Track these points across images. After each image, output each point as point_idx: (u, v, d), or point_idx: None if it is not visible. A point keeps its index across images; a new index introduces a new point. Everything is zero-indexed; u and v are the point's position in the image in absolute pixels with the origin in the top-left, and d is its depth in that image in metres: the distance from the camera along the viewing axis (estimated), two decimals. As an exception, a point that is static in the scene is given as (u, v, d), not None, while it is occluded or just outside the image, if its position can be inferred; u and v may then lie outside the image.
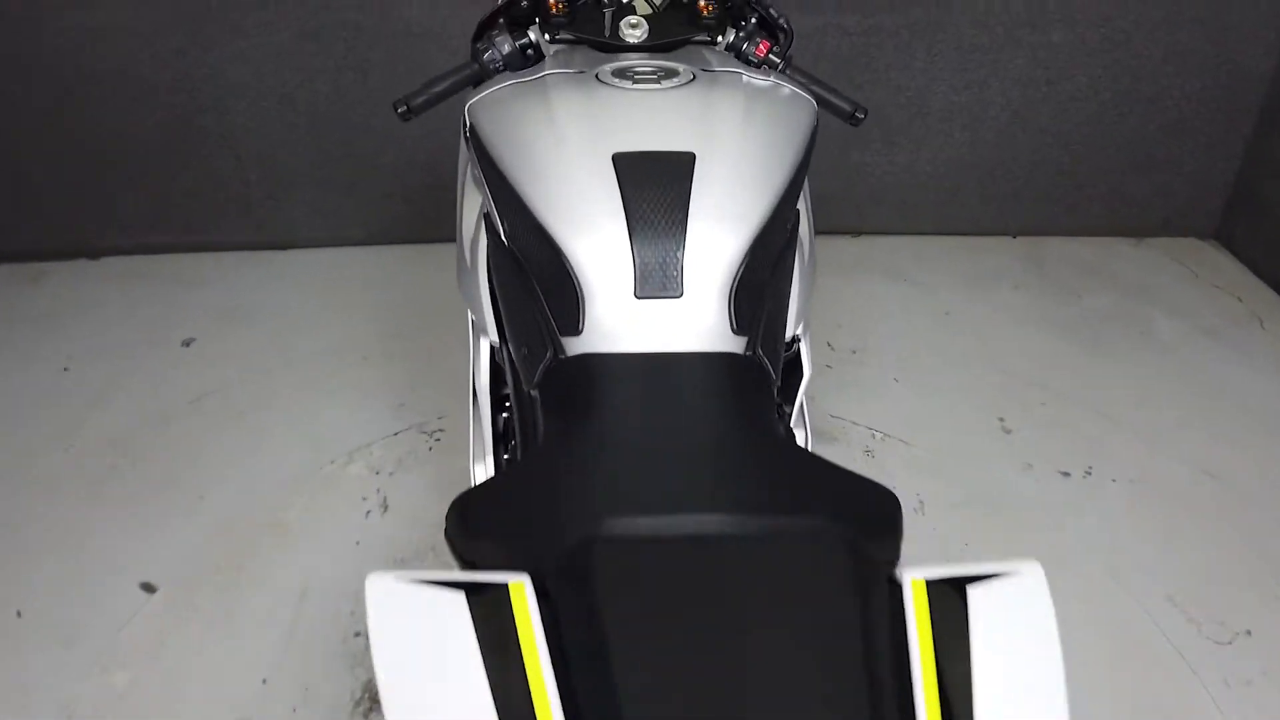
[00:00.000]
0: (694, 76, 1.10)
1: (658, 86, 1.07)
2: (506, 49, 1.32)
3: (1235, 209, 2.98)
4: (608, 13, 1.32)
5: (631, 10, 1.33)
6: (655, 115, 1.03)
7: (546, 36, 1.32)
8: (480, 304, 1.26)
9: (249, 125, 2.72)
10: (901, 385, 2.40)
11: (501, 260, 1.11)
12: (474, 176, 1.45)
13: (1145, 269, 2.94)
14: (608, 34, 1.31)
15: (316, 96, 2.68)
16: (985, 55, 2.70)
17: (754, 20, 1.39)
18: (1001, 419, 2.30)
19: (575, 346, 0.96)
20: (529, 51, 1.34)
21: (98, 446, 2.13)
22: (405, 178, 2.84)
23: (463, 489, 1.88)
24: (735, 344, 0.97)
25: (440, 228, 2.87)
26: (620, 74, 1.11)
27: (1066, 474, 2.14)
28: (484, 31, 1.44)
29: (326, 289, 2.75)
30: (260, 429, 2.18)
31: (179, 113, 2.67)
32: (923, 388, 2.39)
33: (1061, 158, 2.90)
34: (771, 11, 1.42)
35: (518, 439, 1.22)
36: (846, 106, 1.37)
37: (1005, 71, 2.73)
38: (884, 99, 2.78)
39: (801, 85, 1.34)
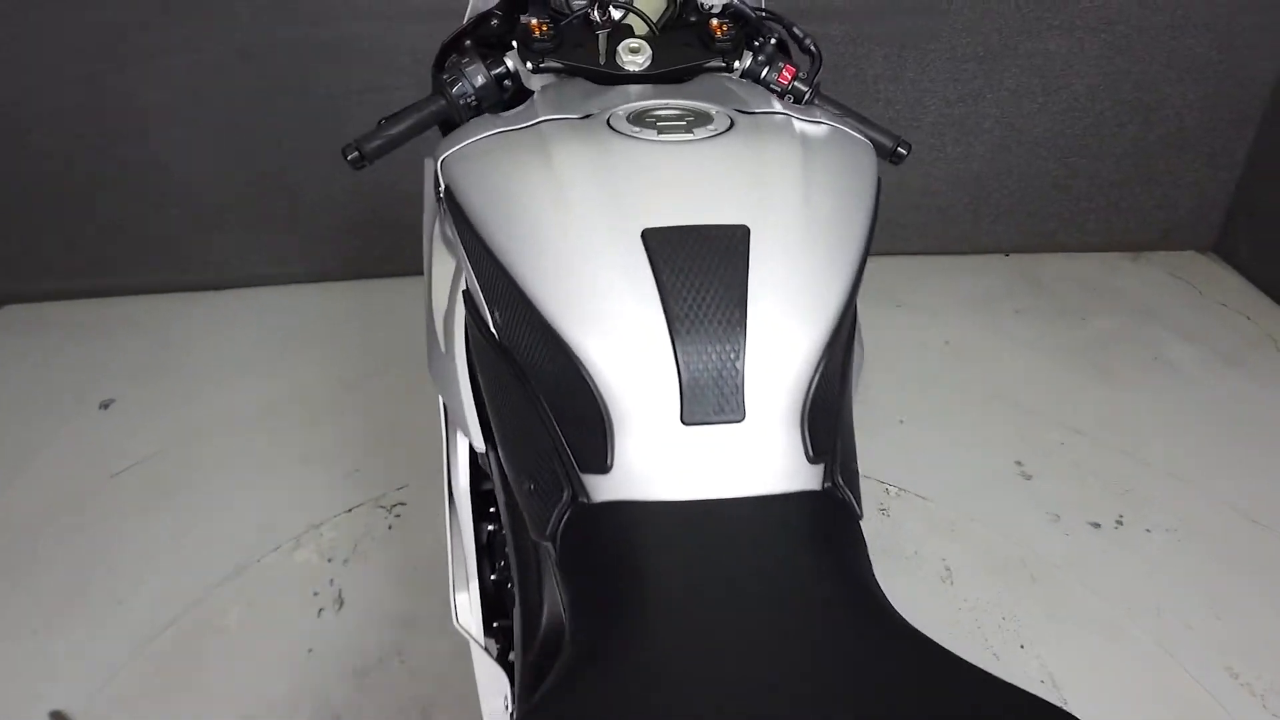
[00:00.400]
0: (731, 122, 0.87)
1: (690, 137, 0.83)
2: (480, 80, 1.07)
3: (1236, 221, 2.83)
4: (601, 35, 1.08)
5: (629, 32, 1.10)
6: (692, 177, 0.79)
7: (528, 65, 1.07)
8: (459, 398, 1.01)
9: (172, 155, 2.42)
10: (908, 427, 2.20)
11: (490, 359, 0.86)
12: (446, 240, 1.20)
13: (1147, 286, 2.78)
14: (603, 61, 1.07)
15: (249, 121, 2.40)
16: (979, 65, 2.51)
17: (773, 41, 1.16)
18: (1019, 463, 2.11)
19: (602, 489, 0.72)
20: (506, 83, 1.10)
21: (-1, 538, 1.83)
22: (352, 207, 2.56)
23: (432, 580, 1.61)
24: (812, 477, 0.74)
25: (394, 261, 2.60)
26: (638, 120, 0.87)
27: (1097, 525, 1.95)
28: (447, 56, 1.20)
29: (266, 335, 2.47)
30: (191, 510, 1.89)
31: (91, 142, 2.37)
32: (931, 429, 2.19)
33: (1057, 171, 2.72)
34: (796, 30, 1.19)
35: (515, 587, 0.97)
36: (888, 142, 1.15)
37: (1000, 82, 2.54)
38: (873, 113, 2.57)
39: (838, 119, 1.12)
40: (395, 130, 1.08)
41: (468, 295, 0.96)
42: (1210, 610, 1.76)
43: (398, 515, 1.88)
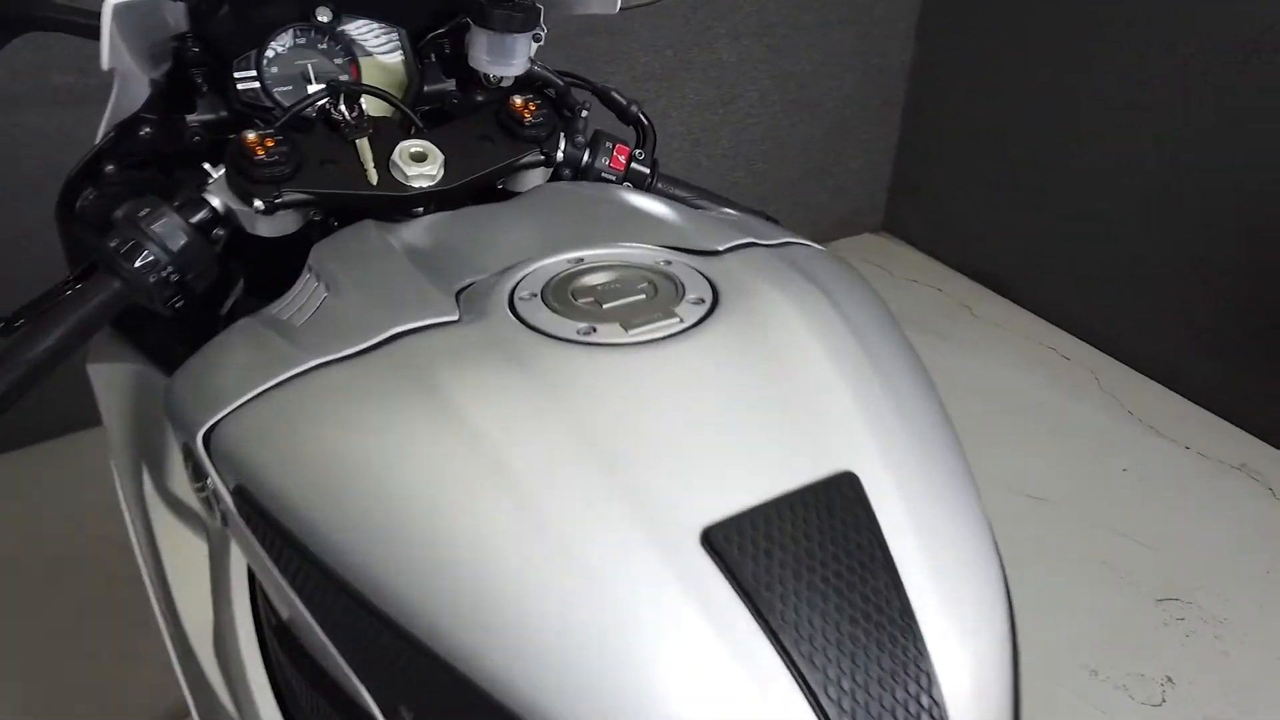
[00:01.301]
0: (712, 285, 0.54)
1: (677, 325, 0.49)
2: (180, 241, 0.64)
3: (897, 199, 2.98)
4: (360, 143, 0.70)
5: (400, 132, 0.72)
6: (730, 404, 0.46)
7: (256, 204, 0.66)
8: None
9: None
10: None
11: None
12: (177, 511, 0.75)
13: (843, 276, 2.83)
14: (375, 180, 0.69)
15: None
16: (660, 83, 2.35)
17: (584, 116, 0.85)
18: (814, 497, 1.98)
19: None
20: (216, 232, 0.67)
21: None
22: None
23: None
24: None
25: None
26: (562, 300, 0.51)
27: (910, 545, 1.88)
28: (78, 197, 0.74)
29: None
30: None
31: None
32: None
33: (745, 178, 2.67)
34: (616, 96, 0.89)
35: None
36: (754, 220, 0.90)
37: (683, 98, 2.41)
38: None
39: (688, 202, 0.85)
40: (35, 353, 0.62)
41: (283, 636, 0.55)
42: (1043, 607, 1.74)
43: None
